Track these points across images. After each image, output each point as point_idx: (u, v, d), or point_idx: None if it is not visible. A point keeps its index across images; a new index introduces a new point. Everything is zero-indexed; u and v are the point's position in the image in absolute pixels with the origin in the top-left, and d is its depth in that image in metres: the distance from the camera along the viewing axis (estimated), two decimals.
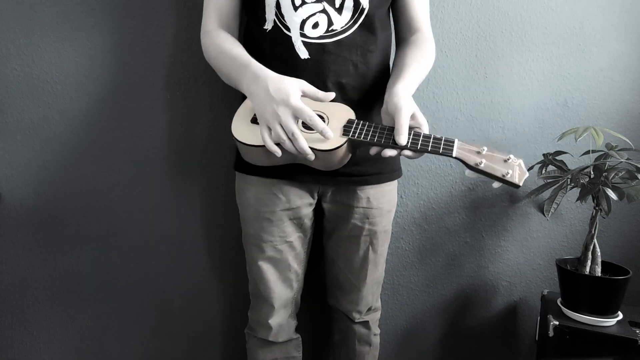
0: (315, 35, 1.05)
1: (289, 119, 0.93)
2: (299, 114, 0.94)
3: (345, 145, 0.99)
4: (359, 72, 1.09)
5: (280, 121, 0.94)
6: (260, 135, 0.97)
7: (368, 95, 1.12)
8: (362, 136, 0.98)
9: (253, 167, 1.11)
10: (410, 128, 0.97)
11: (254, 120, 1.04)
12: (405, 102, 0.97)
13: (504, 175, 0.92)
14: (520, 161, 0.96)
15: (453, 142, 0.96)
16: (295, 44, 1.06)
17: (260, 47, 1.11)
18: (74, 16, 1.36)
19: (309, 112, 0.94)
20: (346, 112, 1.03)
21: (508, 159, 0.95)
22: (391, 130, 0.96)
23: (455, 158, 0.94)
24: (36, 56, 1.37)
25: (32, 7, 1.35)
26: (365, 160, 1.12)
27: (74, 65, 1.38)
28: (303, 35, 1.05)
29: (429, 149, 0.95)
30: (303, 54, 1.06)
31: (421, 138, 0.96)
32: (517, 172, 0.94)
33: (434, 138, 0.96)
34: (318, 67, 1.06)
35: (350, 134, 0.98)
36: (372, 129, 0.99)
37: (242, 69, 1.02)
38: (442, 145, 0.95)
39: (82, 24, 1.36)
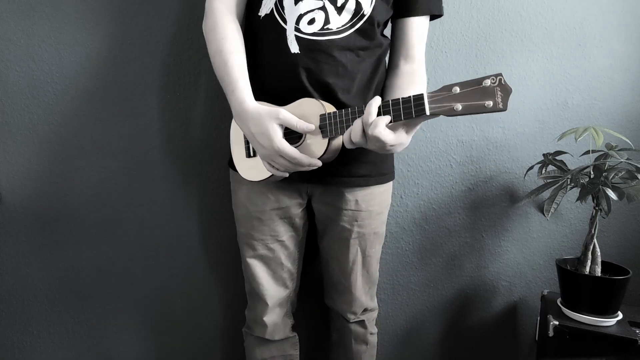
0: (309, 32, 1.05)
1: (280, 159, 0.99)
2: (284, 156, 0.98)
3: (330, 142, 1.01)
4: (348, 74, 1.08)
5: (275, 160, 1.00)
6: (262, 166, 1.05)
7: (354, 99, 1.10)
8: (339, 130, 0.98)
9: None
10: (363, 107, 0.95)
11: (248, 153, 1.10)
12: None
13: (485, 107, 0.85)
14: (500, 77, 0.85)
15: (422, 97, 0.89)
16: (288, 37, 1.05)
17: (255, 34, 1.11)
18: (74, 16, 1.36)
19: (293, 153, 0.97)
20: (315, 106, 1.01)
21: (483, 84, 0.85)
22: (362, 111, 0.95)
23: (431, 115, 0.89)
24: (36, 56, 1.37)
25: (32, 7, 1.35)
26: (355, 161, 1.12)
27: (74, 66, 1.38)
28: (297, 29, 1.05)
29: (402, 116, 0.91)
30: (294, 47, 1.05)
31: (391, 106, 0.92)
32: (499, 94, 0.85)
33: (403, 101, 0.91)
34: (306, 63, 1.05)
35: (329, 133, 0.99)
36: (344, 118, 0.98)
37: (229, 91, 1.04)
38: (413, 109, 0.90)
39: (82, 24, 1.36)
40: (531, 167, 1.41)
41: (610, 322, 1.30)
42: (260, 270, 1.21)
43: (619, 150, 1.29)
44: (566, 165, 1.35)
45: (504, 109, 0.85)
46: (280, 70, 1.07)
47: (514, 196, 1.51)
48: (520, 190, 1.50)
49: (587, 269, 1.33)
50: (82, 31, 1.37)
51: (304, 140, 1.03)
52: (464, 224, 1.53)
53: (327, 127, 0.99)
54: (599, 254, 1.33)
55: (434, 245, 1.54)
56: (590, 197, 1.30)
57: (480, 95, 0.86)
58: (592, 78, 1.46)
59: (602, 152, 1.30)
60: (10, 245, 1.46)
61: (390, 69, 1.18)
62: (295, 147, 1.01)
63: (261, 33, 1.09)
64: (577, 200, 1.31)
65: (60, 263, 1.47)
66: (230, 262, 1.48)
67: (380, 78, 1.16)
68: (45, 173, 1.42)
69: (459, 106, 0.86)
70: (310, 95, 1.05)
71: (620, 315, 1.32)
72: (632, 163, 1.25)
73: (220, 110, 1.41)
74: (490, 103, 0.85)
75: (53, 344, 1.52)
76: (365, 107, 0.94)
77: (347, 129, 0.97)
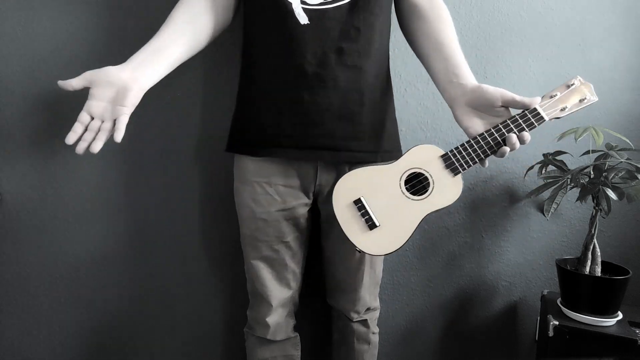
0: (316, 2, 1.04)
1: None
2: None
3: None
4: (362, 36, 1.06)
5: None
6: (391, 233, 1.07)
7: (374, 64, 1.09)
8: (471, 160, 1.02)
9: (245, 145, 1.14)
10: (485, 133, 1.02)
11: (372, 224, 1.06)
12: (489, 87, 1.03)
13: (584, 100, 1.01)
14: (578, 77, 1.03)
15: (536, 110, 1.00)
16: (295, 9, 1.04)
17: (262, 13, 1.09)
18: (75, 16, 1.36)
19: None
20: (431, 151, 1.04)
21: (572, 85, 1.01)
22: (482, 135, 1.01)
23: (550, 120, 1.01)
24: (37, 56, 1.37)
25: (32, 7, 1.35)
26: (364, 161, 1.11)
27: (74, 65, 1.38)
28: (303, 2, 1.04)
29: (527, 128, 1.00)
30: (303, 19, 1.04)
31: (511, 123, 1.00)
32: (586, 89, 1.01)
33: (521, 115, 1.00)
34: (317, 33, 1.04)
35: (458, 165, 1.02)
36: (470, 148, 1.01)
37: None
38: (533, 120, 1.00)
39: (82, 23, 1.36)
40: (531, 167, 1.41)
41: (610, 322, 1.30)
42: (264, 272, 1.20)
43: (619, 150, 1.29)
44: (566, 165, 1.35)
45: (596, 99, 1.02)
46: (292, 45, 1.05)
47: (514, 196, 1.51)
48: (520, 190, 1.50)
49: (587, 269, 1.33)
50: (82, 30, 1.36)
51: (433, 189, 1.04)
52: (463, 223, 1.53)
53: (453, 162, 1.01)
54: (599, 254, 1.33)
55: (434, 245, 1.54)
56: (590, 197, 1.30)
57: (575, 93, 1.01)
58: (592, 78, 1.45)
59: (602, 152, 1.30)
60: (10, 245, 1.46)
61: (410, 11, 1.15)
62: (425, 198, 1.04)
63: (268, 11, 1.07)
64: (577, 200, 1.31)
65: (60, 263, 1.47)
66: (230, 262, 1.48)
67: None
68: (45, 173, 1.42)
69: (565, 106, 1.00)
70: (328, 64, 1.04)
71: (620, 315, 1.32)
72: (632, 163, 1.25)
73: (221, 110, 1.41)
74: (585, 97, 1.01)
75: (53, 344, 1.52)
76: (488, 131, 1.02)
77: (476, 155, 1.02)
